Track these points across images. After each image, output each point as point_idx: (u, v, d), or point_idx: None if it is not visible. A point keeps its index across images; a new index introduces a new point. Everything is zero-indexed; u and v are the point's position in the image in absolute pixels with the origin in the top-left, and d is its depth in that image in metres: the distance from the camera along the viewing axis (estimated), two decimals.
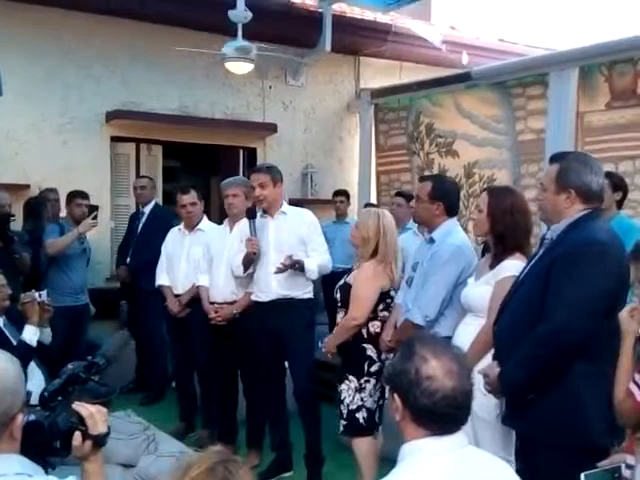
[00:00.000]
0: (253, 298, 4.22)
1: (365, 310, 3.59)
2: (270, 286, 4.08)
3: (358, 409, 3.60)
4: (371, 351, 3.62)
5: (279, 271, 3.94)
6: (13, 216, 4.96)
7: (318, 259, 4.05)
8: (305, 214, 4.23)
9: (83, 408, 1.78)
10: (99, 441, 1.77)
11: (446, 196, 3.49)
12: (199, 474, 1.49)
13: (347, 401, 3.62)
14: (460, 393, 1.64)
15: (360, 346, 3.62)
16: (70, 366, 1.95)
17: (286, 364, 4.22)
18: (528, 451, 2.59)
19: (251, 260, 4.13)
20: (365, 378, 3.60)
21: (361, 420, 3.60)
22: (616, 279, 2.41)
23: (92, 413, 1.77)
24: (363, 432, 3.63)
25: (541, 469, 2.47)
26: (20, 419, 1.66)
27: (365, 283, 3.60)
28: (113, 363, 5.45)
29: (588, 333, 2.38)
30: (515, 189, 3.48)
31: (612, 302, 2.39)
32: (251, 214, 4.11)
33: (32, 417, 1.74)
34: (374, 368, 3.60)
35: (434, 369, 1.63)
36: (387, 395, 3.49)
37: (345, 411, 3.63)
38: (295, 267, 3.96)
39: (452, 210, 3.52)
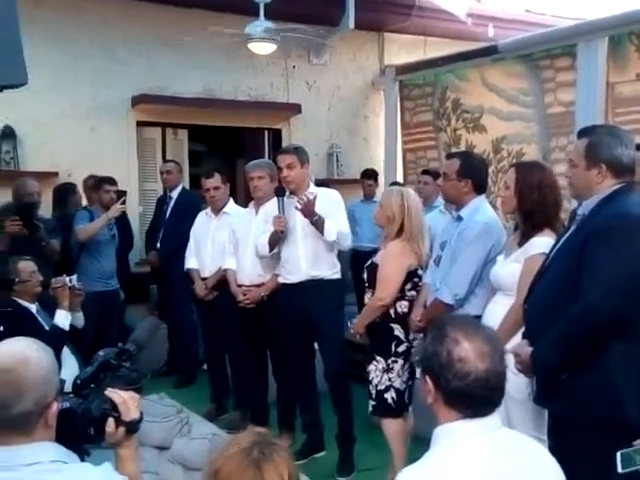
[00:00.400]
0: (281, 280, 4.22)
1: (391, 290, 3.56)
2: (299, 267, 4.07)
3: (386, 389, 3.60)
4: (398, 331, 3.60)
5: (302, 207, 3.87)
6: (35, 204, 4.98)
7: (339, 227, 4.01)
8: (332, 194, 4.21)
9: (116, 395, 1.79)
10: (132, 427, 1.78)
11: (474, 173, 3.44)
12: (234, 453, 1.51)
13: (375, 381, 3.62)
14: (493, 375, 1.62)
15: (388, 326, 3.60)
16: (101, 353, 1.97)
17: (316, 345, 4.23)
18: (561, 430, 2.56)
19: (277, 239, 4.12)
20: (392, 358, 3.59)
21: (389, 400, 3.60)
22: None
23: (125, 399, 1.78)
24: (392, 412, 3.63)
25: (574, 447, 2.43)
26: (55, 407, 1.67)
27: (391, 263, 3.57)
28: (144, 348, 5.53)
29: (624, 311, 2.32)
30: (543, 164, 3.41)
31: None
32: (280, 192, 4.08)
33: (66, 404, 1.76)
34: (402, 348, 3.59)
35: (466, 351, 1.62)
36: (418, 376, 3.49)
37: (374, 391, 3.63)
38: (315, 218, 3.89)
39: (481, 187, 3.46)
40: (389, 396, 3.60)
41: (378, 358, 3.61)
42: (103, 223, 5.18)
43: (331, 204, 4.09)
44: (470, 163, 3.50)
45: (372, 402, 3.66)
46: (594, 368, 2.39)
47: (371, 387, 3.64)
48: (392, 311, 3.60)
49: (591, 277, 2.35)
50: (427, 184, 5.64)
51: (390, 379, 3.59)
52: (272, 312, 4.31)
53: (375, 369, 3.62)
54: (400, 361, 3.58)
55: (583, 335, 2.38)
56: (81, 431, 1.76)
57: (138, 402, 1.82)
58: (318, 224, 3.91)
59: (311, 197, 3.87)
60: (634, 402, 2.36)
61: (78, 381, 1.89)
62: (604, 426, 2.38)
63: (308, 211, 3.87)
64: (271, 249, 4.20)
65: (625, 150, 2.47)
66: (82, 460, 1.82)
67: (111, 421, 1.76)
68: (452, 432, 1.65)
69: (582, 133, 2.60)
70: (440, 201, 5.40)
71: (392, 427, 3.64)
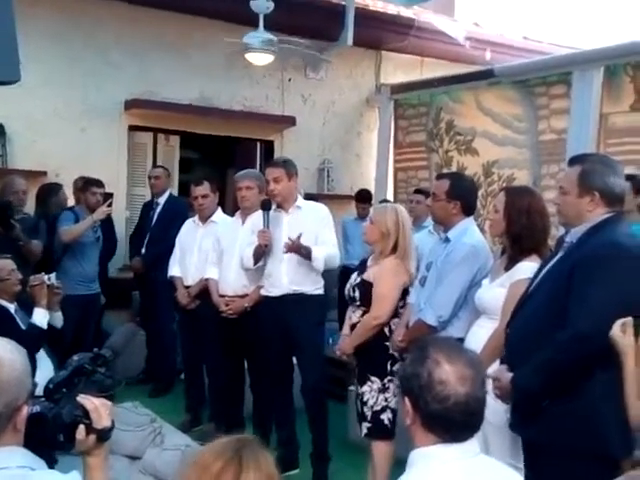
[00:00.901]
0: (263, 292, 4.18)
1: (388, 309, 3.51)
2: (281, 281, 4.04)
3: (383, 410, 3.53)
4: (392, 351, 3.54)
5: (288, 249, 3.90)
6: (11, 203, 4.89)
7: (326, 250, 3.99)
8: (320, 209, 4.19)
9: (88, 401, 1.74)
10: (103, 435, 1.73)
11: (464, 195, 3.42)
12: (218, 446, 1.44)
13: (371, 403, 3.53)
14: (473, 400, 1.58)
15: (382, 345, 3.54)
16: (76, 357, 1.92)
17: (294, 360, 4.18)
18: (537, 458, 2.52)
19: (262, 253, 4.09)
20: (388, 377, 3.52)
21: (386, 421, 3.53)
22: None
23: (97, 406, 1.73)
24: (387, 434, 3.54)
25: (554, 477, 2.40)
26: (24, 411, 1.63)
27: (387, 281, 3.52)
28: (120, 355, 5.48)
29: (605, 331, 2.28)
30: (533, 189, 3.41)
31: (638, 307, 2.30)
32: (266, 206, 4.06)
33: (37, 409, 1.70)
34: (397, 366, 3.51)
35: (447, 374, 1.58)
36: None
37: (369, 413, 3.54)
38: (301, 251, 3.90)
39: (469, 209, 3.45)
40: (385, 417, 3.53)
41: (373, 378, 3.54)
42: (88, 225, 5.13)
43: (318, 220, 4.07)
44: (460, 185, 3.48)
45: (367, 424, 3.56)
46: (578, 396, 2.36)
47: (366, 409, 3.55)
48: (386, 329, 3.54)
49: (580, 305, 2.33)
50: (419, 203, 5.60)
51: (386, 399, 3.52)
52: (253, 324, 4.26)
53: (370, 390, 3.54)
54: (396, 380, 3.49)
55: (570, 363, 2.35)
56: (50, 437, 1.71)
57: (110, 410, 1.77)
58: (305, 256, 3.93)
59: (294, 237, 3.88)
60: (614, 433, 2.33)
61: (50, 385, 1.84)
62: (586, 456, 2.35)
63: (295, 249, 3.90)
64: (255, 262, 4.17)
65: (618, 180, 2.46)
66: (50, 467, 1.76)
67: (82, 428, 1.71)
68: (429, 457, 1.61)
69: (574, 161, 2.59)
70: (430, 222, 5.39)
71: (382, 448, 3.55)
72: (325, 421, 4.07)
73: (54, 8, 6.22)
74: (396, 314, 3.57)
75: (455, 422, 1.58)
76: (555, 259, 2.58)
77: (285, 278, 4.02)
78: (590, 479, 2.22)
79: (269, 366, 4.18)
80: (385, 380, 3.53)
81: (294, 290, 4.02)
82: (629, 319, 2.23)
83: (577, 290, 2.35)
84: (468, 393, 1.58)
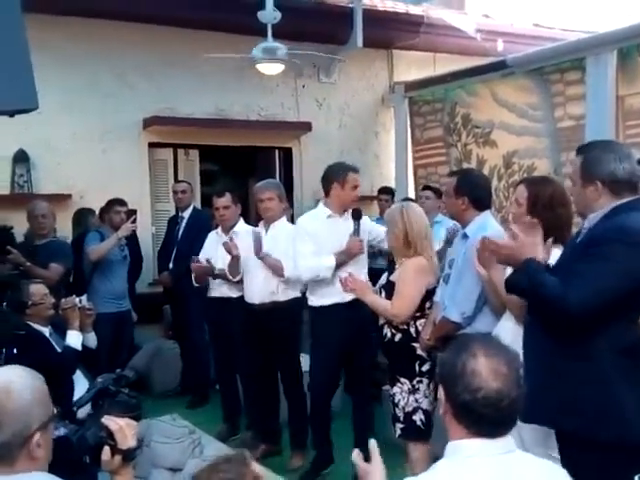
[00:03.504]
0: (315, 303, 4.17)
1: (407, 307, 3.48)
2: (338, 289, 3.87)
3: (414, 411, 3.50)
4: (420, 350, 3.52)
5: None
6: (9, 229, 4.80)
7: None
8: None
9: (112, 422, 1.76)
10: (128, 455, 1.76)
11: (471, 190, 3.39)
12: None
13: (402, 404, 3.52)
14: (505, 397, 1.58)
15: (409, 346, 3.51)
16: (100, 379, 1.96)
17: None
18: (566, 446, 2.51)
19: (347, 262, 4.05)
20: (417, 379, 3.49)
21: (418, 422, 3.50)
22: None
23: (121, 427, 1.76)
24: (421, 435, 3.52)
25: (581, 465, 2.38)
26: (37, 438, 1.62)
27: (408, 280, 3.49)
28: (144, 374, 5.57)
29: (594, 312, 2.30)
30: (553, 179, 3.39)
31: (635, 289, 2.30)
32: (357, 215, 4.08)
33: (61, 432, 1.74)
34: (425, 367, 3.50)
35: (481, 366, 1.59)
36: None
37: (401, 414, 3.53)
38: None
39: (480, 204, 3.41)
40: (417, 418, 3.50)
41: (402, 380, 3.52)
42: (114, 242, 5.21)
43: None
44: (466, 180, 3.46)
45: (400, 425, 3.54)
46: (591, 381, 2.37)
47: (398, 410, 3.54)
48: (413, 330, 3.52)
49: (579, 276, 2.35)
50: (428, 199, 5.75)
51: (417, 400, 3.49)
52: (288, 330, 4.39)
53: (400, 391, 3.52)
54: (425, 380, 3.49)
55: (542, 303, 2.44)
56: (76, 459, 1.75)
57: (135, 430, 1.80)
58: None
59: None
60: (637, 420, 2.32)
61: (74, 408, 1.88)
62: (608, 445, 2.33)
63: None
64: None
65: (620, 164, 2.41)
66: None
67: (107, 449, 1.74)
68: (459, 450, 1.63)
69: (578, 150, 2.58)
70: (441, 217, 5.46)
71: (418, 452, 3.52)
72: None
73: (68, 33, 6.32)
74: (423, 314, 3.54)
75: (483, 415, 1.59)
76: (571, 247, 2.59)
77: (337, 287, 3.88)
78: (617, 468, 2.21)
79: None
80: (414, 381, 3.50)
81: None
82: None
83: (582, 263, 2.38)
84: (500, 389, 1.58)
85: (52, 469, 1.67)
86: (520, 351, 2.57)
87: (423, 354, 3.51)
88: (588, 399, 2.38)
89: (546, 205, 2.91)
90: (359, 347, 4.05)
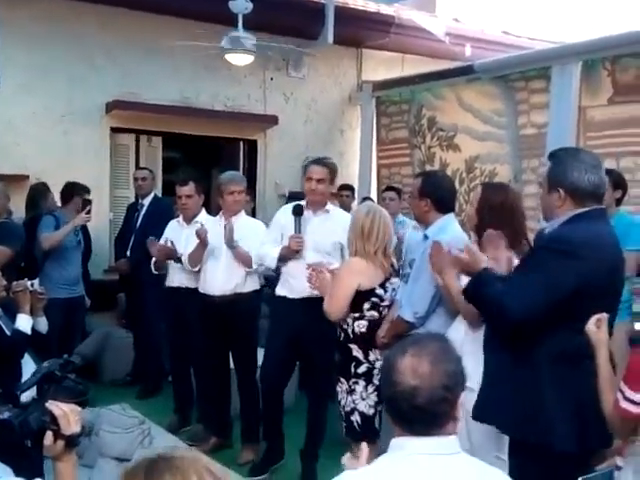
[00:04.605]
0: (280, 293, 4.15)
1: (333, 306, 3.41)
2: (303, 284, 3.84)
3: (352, 412, 3.45)
4: (356, 351, 3.44)
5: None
6: None
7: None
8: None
9: (56, 407, 1.73)
10: (72, 441, 1.73)
11: (434, 192, 3.40)
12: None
13: (343, 403, 3.49)
14: (422, 395, 1.57)
15: (347, 346, 3.46)
16: (45, 364, 1.92)
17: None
18: (513, 449, 2.57)
19: (289, 257, 4.05)
20: (353, 380, 3.43)
21: (355, 424, 3.44)
22: (579, 280, 2.33)
23: (65, 412, 1.73)
24: (362, 436, 3.34)
25: (527, 468, 2.43)
26: None
27: (336, 280, 3.46)
28: (93, 361, 5.49)
29: (531, 321, 2.36)
30: (510, 187, 3.42)
31: (565, 299, 2.34)
32: (298, 211, 4.06)
33: (5, 415, 1.70)
34: (362, 369, 3.43)
35: (404, 363, 1.60)
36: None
37: (342, 412, 3.51)
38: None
39: (442, 206, 3.42)
40: (354, 419, 3.44)
41: (342, 379, 3.48)
42: (68, 231, 5.12)
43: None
44: (429, 182, 3.47)
45: (343, 424, 3.53)
46: (523, 384, 2.44)
47: (340, 408, 3.53)
48: (350, 330, 3.45)
49: (515, 285, 2.43)
50: (392, 200, 5.81)
51: (354, 401, 3.44)
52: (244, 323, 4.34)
53: (341, 390, 3.50)
54: (362, 382, 3.43)
55: (486, 312, 2.61)
56: (17, 443, 1.72)
57: (79, 416, 1.76)
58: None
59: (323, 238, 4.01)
60: (562, 427, 2.37)
61: (18, 392, 1.84)
62: (533, 447, 2.41)
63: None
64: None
65: (585, 175, 2.42)
66: (34, 476, 1.76)
67: (49, 434, 1.71)
68: (400, 446, 1.63)
69: (549, 156, 2.62)
70: (402, 217, 5.50)
71: (363, 450, 3.49)
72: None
73: (34, 12, 6.19)
74: (362, 316, 3.42)
75: (402, 412, 1.60)
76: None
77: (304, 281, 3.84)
78: (559, 472, 2.25)
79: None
80: (350, 382, 3.44)
81: (310, 293, 3.90)
82: (604, 315, 2.27)
83: (523, 268, 2.50)
84: (418, 387, 1.57)
85: None
86: (470, 353, 2.64)
87: (359, 356, 3.44)
88: (521, 404, 2.44)
89: (494, 209, 2.96)
90: (316, 344, 4.04)
